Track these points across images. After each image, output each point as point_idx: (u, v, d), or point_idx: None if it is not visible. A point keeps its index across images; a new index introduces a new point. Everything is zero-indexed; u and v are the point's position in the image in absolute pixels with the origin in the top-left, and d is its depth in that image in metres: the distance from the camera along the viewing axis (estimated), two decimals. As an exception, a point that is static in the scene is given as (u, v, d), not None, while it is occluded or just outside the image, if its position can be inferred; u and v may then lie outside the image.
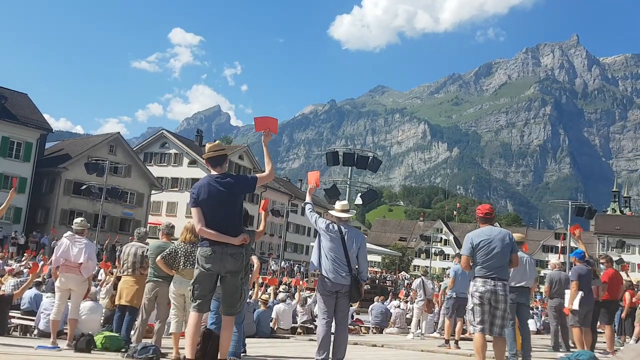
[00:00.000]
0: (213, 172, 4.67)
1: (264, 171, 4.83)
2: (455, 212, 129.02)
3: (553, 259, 15.57)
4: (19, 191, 35.83)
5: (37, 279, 11.36)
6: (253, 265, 6.57)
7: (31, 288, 10.40)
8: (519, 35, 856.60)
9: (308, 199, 6.04)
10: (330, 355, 5.46)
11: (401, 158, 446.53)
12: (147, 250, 7.37)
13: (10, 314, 9.52)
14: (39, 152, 37.99)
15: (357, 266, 5.62)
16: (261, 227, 6.60)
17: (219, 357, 4.57)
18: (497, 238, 5.65)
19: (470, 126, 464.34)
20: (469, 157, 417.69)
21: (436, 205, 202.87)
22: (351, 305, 14.41)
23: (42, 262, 14.35)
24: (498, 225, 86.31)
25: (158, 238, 7.40)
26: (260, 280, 16.07)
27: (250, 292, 11.91)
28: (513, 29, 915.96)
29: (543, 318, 19.04)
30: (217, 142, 5.01)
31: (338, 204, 5.89)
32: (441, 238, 74.86)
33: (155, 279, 6.88)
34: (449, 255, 73.90)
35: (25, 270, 13.12)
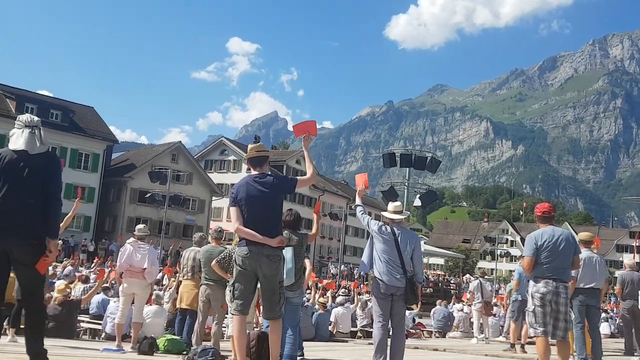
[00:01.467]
0: (253, 172, 4.66)
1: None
2: (521, 212, 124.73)
3: (627, 259, 14.70)
4: (88, 200, 37.70)
5: (105, 285, 11.84)
6: (306, 269, 6.52)
7: (99, 293, 10.84)
8: (584, 27, 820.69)
9: (358, 201, 5.98)
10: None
11: (463, 158, 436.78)
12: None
13: (80, 318, 9.94)
14: (106, 163, 39.86)
15: (412, 268, 5.49)
16: (314, 230, 6.56)
17: (270, 361, 4.54)
18: (560, 238, 5.41)
19: (535, 122, 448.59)
20: (535, 155, 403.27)
21: (501, 205, 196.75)
22: (412, 309, 14.25)
23: (109, 269, 14.93)
24: (569, 225, 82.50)
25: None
26: (316, 283, 16.06)
27: (307, 296, 11.93)
28: (578, 21, 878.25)
29: (618, 321, 18.02)
30: (259, 143, 5.03)
31: (391, 205, 5.80)
32: (507, 239, 72.43)
33: (207, 282, 6.98)
34: (515, 257, 71.41)
35: (92, 276, 13.69)
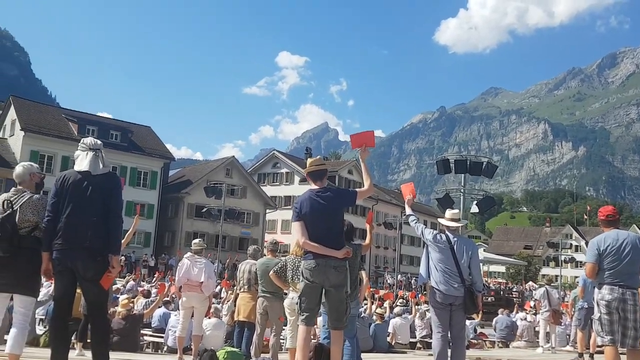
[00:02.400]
0: (313, 187, 4.70)
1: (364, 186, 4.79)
2: (585, 216, 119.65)
3: None
4: (148, 217, 38.97)
5: (166, 299, 12.14)
6: (362, 280, 6.48)
7: (160, 307, 11.12)
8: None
9: (409, 210, 5.92)
10: None
11: (521, 161, 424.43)
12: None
13: (143, 331, 10.22)
14: (164, 180, 41.09)
15: (469, 276, 5.36)
16: (367, 241, 6.52)
17: (330, 371, 4.53)
18: (626, 242, 5.14)
19: (596, 122, 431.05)
20: (598, 156, 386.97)
21: (563, 209, 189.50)
22: (472, 319, 13.87)
23: (169, 283, 15.33)
24: (637, 228, 78.32)
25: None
26: (373, 294, 15.90)
27: (364, 307, 11.83)
28: (638, 15, 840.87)
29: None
30: (317, 157, 5.08)
31: (448, 213, 5.74)
32: (571, 244, 69.73)
33: (264, 294, 7.04)
34: (580, 262, 68.46)
35: (154, 291, 14.07)
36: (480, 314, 14.05)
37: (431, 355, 10.69)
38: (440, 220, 5.82)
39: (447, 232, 5.59)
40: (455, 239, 5.46)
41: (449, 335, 5.40)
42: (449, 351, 5.34)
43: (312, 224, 4.51)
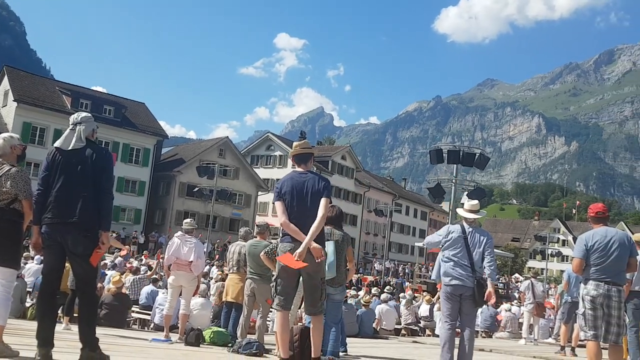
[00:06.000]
0: (297, 169, 4.70)
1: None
2: (574, 211, 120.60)
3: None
4: (139, 194, 38.89)
5: (155, 276, 12.17)
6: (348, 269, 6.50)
7: (148, 285, 11.15)
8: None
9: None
10: None
11: (513, 154, 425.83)
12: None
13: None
14: (156, 157, 40.90)
15: (482, 268, 5.33)
16: (350, 266, 6.49)
17: (312, 356, 4.56)
18: (613, 240, 5.18)
19: (590, 118, 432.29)
20: (590, 152, 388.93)
21: (553, 203, 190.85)
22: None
23: (157, 261, 15.38)
24: (625, 225, 78.77)
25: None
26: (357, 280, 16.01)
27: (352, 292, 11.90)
28: (638, 12, 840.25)
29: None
30: (304, 140, 5.06)
31: (467, 204, 5.65)
32: (558, 238, 70.24)
33: (252, 276, 7.08)
34: (567, 257, 69.15)
35: (143, 268, 14.10)
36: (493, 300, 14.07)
37: (415, 342, 10.82)
38: (458, 210, 5.74)
39: (463, 222, 5.54)
40: (471, 229, 5.43)
41: (459, 325, 5.36)
42: (457, 341, 5.30)
43: (292, 205, 4.48)
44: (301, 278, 4.53)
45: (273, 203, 4.69)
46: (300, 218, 4.44)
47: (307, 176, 4.59)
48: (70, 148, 4.13)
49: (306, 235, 4.35)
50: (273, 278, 4.68)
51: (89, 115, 4.38)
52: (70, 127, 4.23)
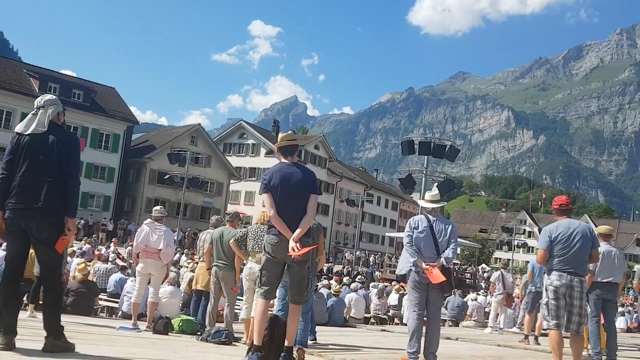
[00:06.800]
0: (284, 161, 4.68)
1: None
2: (540, 203, 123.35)
3: (647, 253, 14.46)
4: (108, 180, 38.20)
5: (123, 264, 12.01)
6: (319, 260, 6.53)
7: (116, 272, 10.99)
8: (613, 16, 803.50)
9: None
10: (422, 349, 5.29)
11: (483, 147, 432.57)
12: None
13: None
14: (126, 143, 40.16)
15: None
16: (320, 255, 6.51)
17: (285, 344, 4.58)
18: (576, 232, 5.32)
19: (558, 112, 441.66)
20: (557, 145, 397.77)
21: (520, 195, 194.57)
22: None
23: (129, 248, 15.16)
24: (588, 217, 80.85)
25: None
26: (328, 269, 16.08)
27: (323, 282, 11.97)
28: (607, 9, 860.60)
29: (635, 315, 17.81)
30: (289, 132, 5.04)
31: (427, 195, 5.71)
32: (525, 230, 71.84)
33: (217, 264, 7.05)
34: (532, 248, 70.80)
35: (112, 256, 13.88)
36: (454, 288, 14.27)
37: (384, 330, 10.96)
38: (419, 201, 5.80)
39: (425, 213, 5.61)
40: (435, 219, 5.49)
41: (425, 314, 5.39)
42: (424, 329, 5.34)
43: (280, 197, 4.48)
44: (286, 267, 4.56)
45: (260, 194, 4.66)
46: (287, 211, 4.46)
47: (295, 169, 4.59)
48: (29, 132, 4.02)
49: (294, 231, 4.37)
50: (259, 268, 4.69)
51: (54, 97, 4.26)
52: (33, 111, 4.13)
